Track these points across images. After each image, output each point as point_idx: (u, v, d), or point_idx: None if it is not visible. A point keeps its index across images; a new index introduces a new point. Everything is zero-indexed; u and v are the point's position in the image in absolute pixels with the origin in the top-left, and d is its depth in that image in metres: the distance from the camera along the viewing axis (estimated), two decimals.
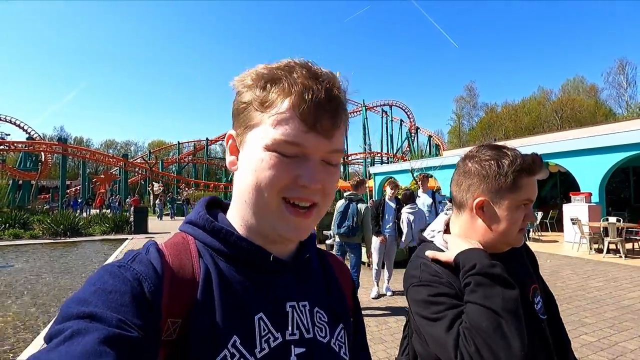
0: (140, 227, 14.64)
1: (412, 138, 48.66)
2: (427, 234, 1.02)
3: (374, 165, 35.76)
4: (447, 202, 11.09)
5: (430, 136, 49.60)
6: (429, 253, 0.93)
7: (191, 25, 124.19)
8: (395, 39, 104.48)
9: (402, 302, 5.07)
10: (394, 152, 48.91)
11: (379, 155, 47.01)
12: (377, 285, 5.43)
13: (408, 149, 47.59)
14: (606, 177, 11.05)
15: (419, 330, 0.88)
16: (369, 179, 22.78)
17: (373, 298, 5.30)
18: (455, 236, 0.95)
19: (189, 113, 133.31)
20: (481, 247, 0.88)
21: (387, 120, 50.86)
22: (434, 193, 6.43)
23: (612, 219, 9.22)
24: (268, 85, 0.50)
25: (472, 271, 0.81)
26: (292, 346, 0.52)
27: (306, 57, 0.52)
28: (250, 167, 0.50)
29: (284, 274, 0.57)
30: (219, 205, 0.63)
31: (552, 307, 1.05)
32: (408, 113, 49.78)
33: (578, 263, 7.91)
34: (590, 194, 10.74)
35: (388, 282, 5.58)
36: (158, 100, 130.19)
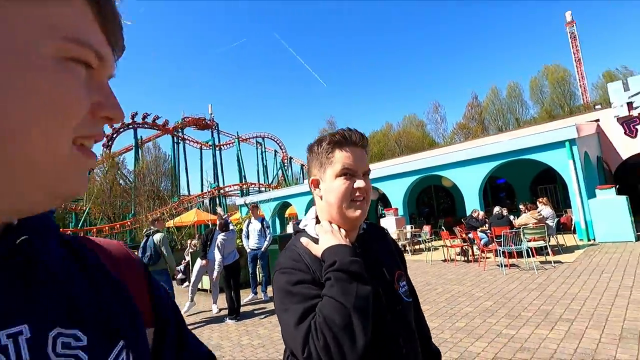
0: None
1: (286, 168, 51.83)
2: (302, 224, 1.04)
3: (249, 195, 36.65)
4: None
5: (302, 165, 53.69)
6: (304, 241, 0.95)
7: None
8: (267, 73, 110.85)
9: (225, 313, 6.01)
10: (269, 182, 50.93)
11: (254, 185, 48.21)
12: (192, 300, 6.55)
13: (283, 178, 50.45)
14: (406, 195, 14.73)
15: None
16: (236, 210, 23.62)
17: (185, 312, 6.33)
18: (326, 230, 0.94)
19: None
20: (347, 242, 0.90)
21: (261, 151, 52.97)
22: (262, 220, 7.57)
23: (408, 227, 12.47)
24: None
25: (333, 267, 0.84)
26: None
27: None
28: None
29: None
30: None
31: (413, 297, 1.09)
32: (280, 144, 52.97)
33: None
34: (397, 209, 14.12)
35: (215, 302, 6.56)
36: None
